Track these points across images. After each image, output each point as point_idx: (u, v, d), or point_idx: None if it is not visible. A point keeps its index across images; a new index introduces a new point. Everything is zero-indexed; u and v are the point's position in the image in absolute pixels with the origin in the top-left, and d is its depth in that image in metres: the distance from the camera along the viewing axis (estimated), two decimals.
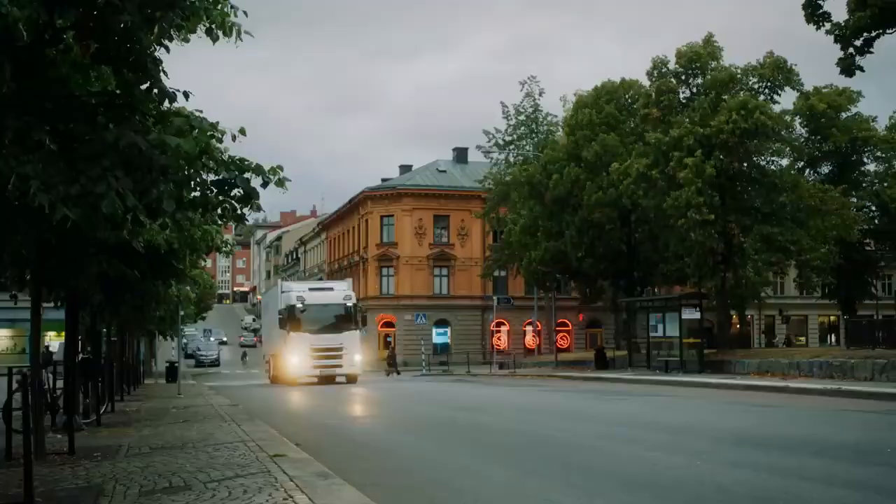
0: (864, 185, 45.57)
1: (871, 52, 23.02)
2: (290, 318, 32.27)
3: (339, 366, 32.12)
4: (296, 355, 31.87)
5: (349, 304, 33.29)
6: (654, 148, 34.31)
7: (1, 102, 6.30)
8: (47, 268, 9.88)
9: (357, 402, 22.78)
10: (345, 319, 32.99)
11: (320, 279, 68.62)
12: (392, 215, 62.76)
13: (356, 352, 32.93)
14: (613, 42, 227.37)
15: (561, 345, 56.31)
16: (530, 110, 50.86)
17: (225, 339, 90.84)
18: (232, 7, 7.73)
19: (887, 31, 22.76)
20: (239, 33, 7.78)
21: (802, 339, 64.69)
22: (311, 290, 35.03)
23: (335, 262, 74.56)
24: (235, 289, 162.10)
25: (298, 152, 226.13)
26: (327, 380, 32.10)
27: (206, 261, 23.27)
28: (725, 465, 8.53)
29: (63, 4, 6.34)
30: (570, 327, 62.94)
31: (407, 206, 62.37)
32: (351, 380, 32.52)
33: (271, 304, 38.59)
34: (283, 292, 34.60)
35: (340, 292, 34.23)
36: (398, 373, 45.81)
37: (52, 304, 13.76)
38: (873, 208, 46.45)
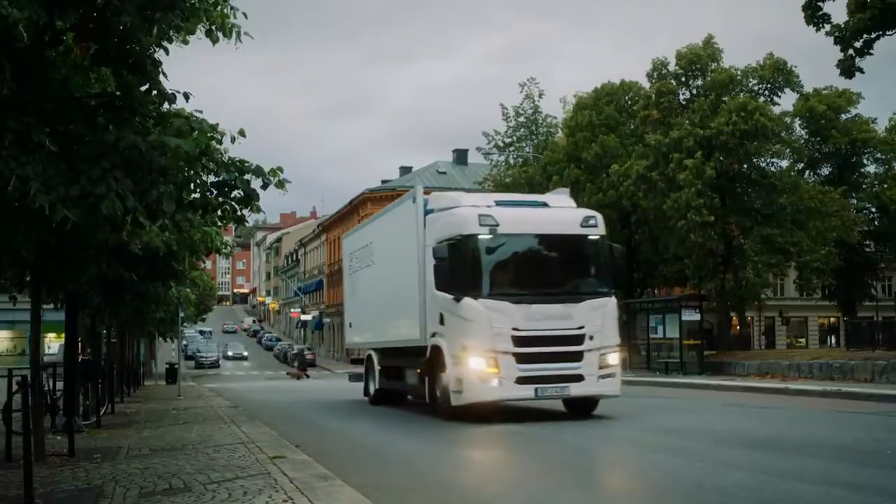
0: (863, 186, 45.58)
1: (871, 54, 23.06)
2: (466, 263, 13.86)
3: (576, 376, 13.71)
4: (478, 351, 13.53)
5: (593, 235, 14.57)
6: (653, 149, 34.37)
7: (1, 104, 6.30)
8: (47, 269, 9.88)
9: None
10: (583, 269, 14.86)
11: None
12: None
13: (611, 344, 14.30)
14: (609, 47, 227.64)
15: None
16: (530, 112, 50.76)
17: (245, 353, 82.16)
18: (232, 9, 7.74)
19: (887, 33, 22.79)
20: (239, 35, 7.79)
21: (802, 340, 64.66)
22: (499, 204, 15.06)
23: (335, 264, 74.49)
24: (235, 290, 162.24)
25: (298, 154, 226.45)
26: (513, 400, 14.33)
27: (205, 262, 23.22)
28: (725, 467, 8.52)
29: (63, 5, 6.35)
30: None
31: None
32: (582, 406, 14.69)
33: (387, 241, 18.04)
34: (430, 212, 15.57)
35: (568, 211, 15.40)
36: (307, 376, 47.86)
37: (51, 306, 13.77)
38: (873, 210, 46.46)
